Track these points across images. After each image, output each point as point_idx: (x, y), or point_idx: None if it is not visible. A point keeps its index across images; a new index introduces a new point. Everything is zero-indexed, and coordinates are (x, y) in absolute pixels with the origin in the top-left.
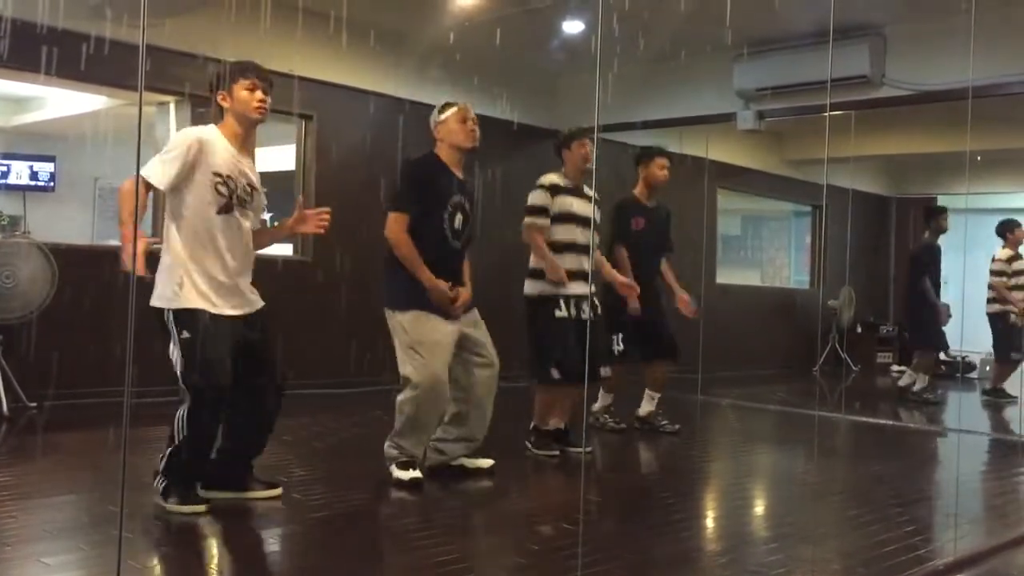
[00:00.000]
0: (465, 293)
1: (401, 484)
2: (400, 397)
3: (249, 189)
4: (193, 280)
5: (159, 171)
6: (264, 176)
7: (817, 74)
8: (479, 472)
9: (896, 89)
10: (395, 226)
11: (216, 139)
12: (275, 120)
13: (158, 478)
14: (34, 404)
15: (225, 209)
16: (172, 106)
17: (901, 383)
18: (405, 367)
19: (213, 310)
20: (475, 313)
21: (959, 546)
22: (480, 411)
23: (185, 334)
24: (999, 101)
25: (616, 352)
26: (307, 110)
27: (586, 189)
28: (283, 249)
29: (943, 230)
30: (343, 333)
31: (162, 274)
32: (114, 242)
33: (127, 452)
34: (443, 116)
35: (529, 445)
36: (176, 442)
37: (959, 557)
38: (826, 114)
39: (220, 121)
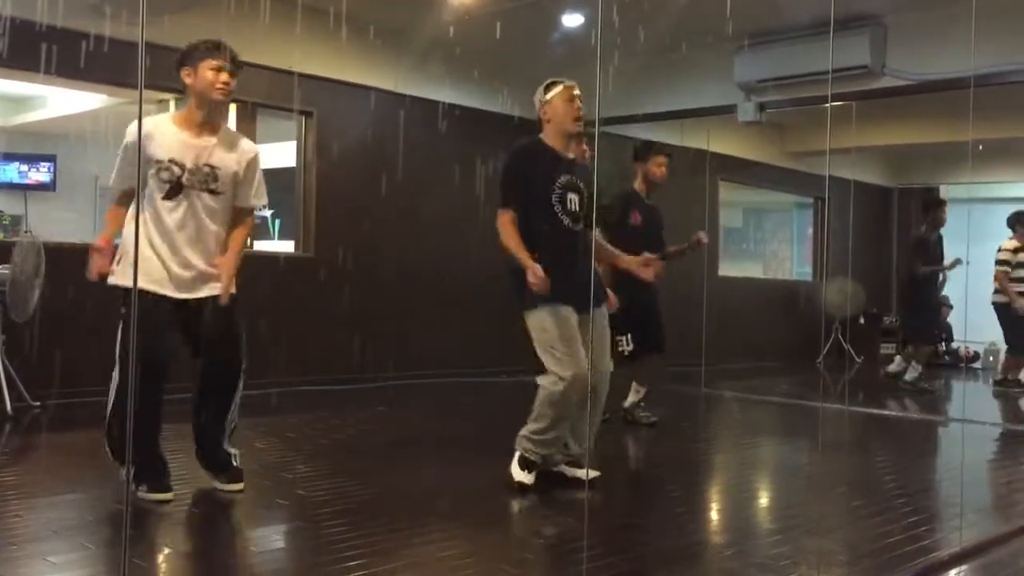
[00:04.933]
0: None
1: (512, 483)
2: (543, 393)
3: (208, 169)
4: (137, 259)
5: (115, 176)
6: (265, 173)
7: (818, 65)
8: (576, 482)
9: (897, 79)
10: (501, 224)
11: (161, 127)
12: (276, 116)
13: (124, 467)
14: (38, 403)
15: (171, 194)
16: (172, 104)
17: (890, 368)
18: (550, 365)
19: (155, 289)
20: (603, 315)
21: (964, 536)
22: (575, 418)
23: (123, 309)
24: (1001, 90)
25: (626, 352)
26: (307, 106)
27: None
28: (285, 246)
29: (941, 223)
30: (345, 329)
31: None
32: (117, 241)
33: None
34: (548, 96)
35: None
36: (106, 417)
37: (964, 547)
38: (827, 105)
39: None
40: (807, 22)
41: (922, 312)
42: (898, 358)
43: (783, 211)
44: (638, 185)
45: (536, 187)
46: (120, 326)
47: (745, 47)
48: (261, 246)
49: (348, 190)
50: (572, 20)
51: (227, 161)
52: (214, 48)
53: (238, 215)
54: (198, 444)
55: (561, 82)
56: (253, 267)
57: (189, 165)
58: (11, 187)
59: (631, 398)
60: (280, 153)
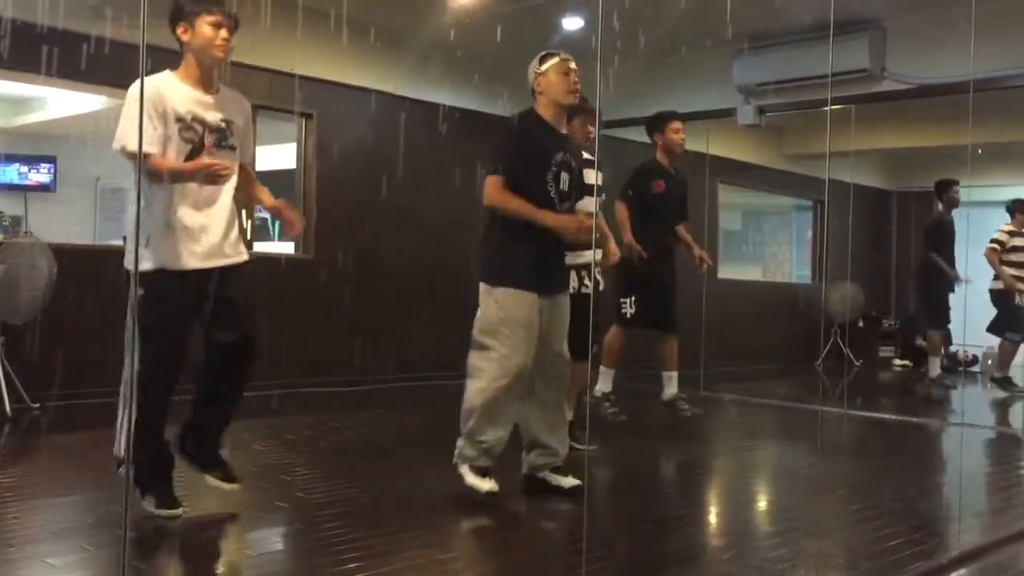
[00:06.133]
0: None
1: (475, 493)
2: (475, 384)
3: (224, 125)
4: (161, 234)
5: (146, 136)
6: (264, 174)
7: (817, 68)
8: (560, 491)
9: (897, 83)
10: (493, 189)
11: (170, 83)
12: (276, 119)
13: (123, 467)
14: (37, 404)
15: (193, 154)
16: None
17: (932, 375)
18: (489, 347)
19: (178, 265)
20: (564, 298)
21: (963, 540)
22: (546, 414)
23: (140, 291)
24: (1000, 94)
25: (628, 315)
26: (308, 108)
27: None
28: (285, 247)
29: (955, 204)
30: (345, 331)
31: (130, 228)
32: (116, 242)
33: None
34: (543, 67)
35: None
36: (122, 417)
37: (963, 551)
38: (827, 108)
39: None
40: (806, 26)
41: (933, 297)
42: (931, 360)
43: (782, 214)
44: (659, 156)
45: (533, 164)
46: (134, 310)
47: (745, 50)
48: (261, 247)
49: (348, 192)
50: (572, 23)
51: (236, 115)
52: (211, 2)
53: (242, 172)
54: (194, 435)
55: (556, 54)
56: (253, 268)
57: (209, 121)
58: (11, 188)
59: (669, 390)
60: (280, 155)
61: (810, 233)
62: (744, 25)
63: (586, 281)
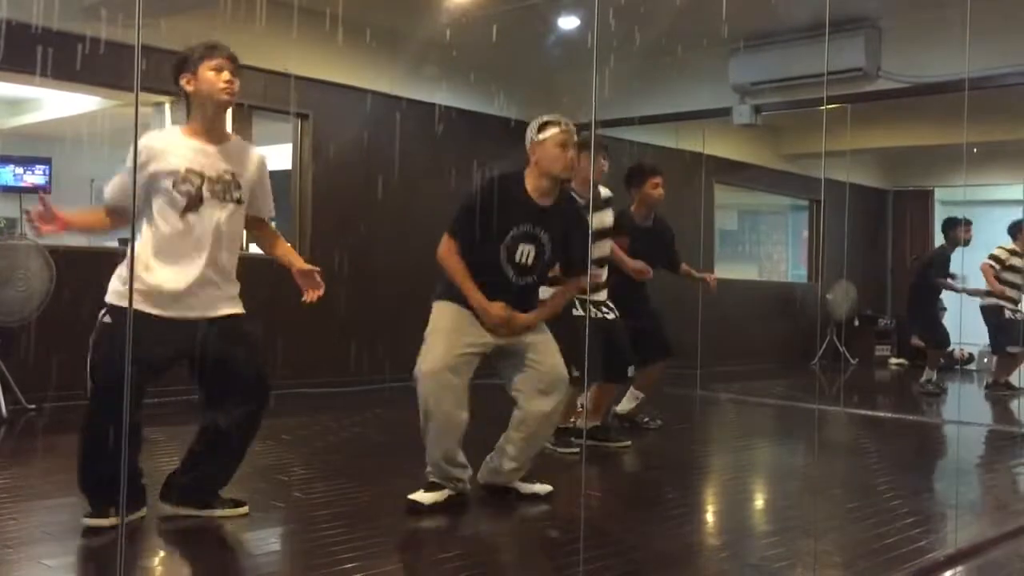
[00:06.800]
0: (520, 319)
1: (415, 506)
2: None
3: (229, 177)
4: (143, 279)
5: (111, 188)
6: None
7: (813, 67)
8: (533, 497)
9: (892, 82)
10: (444, 248)
11: (171, 139)
12: (272, 119)
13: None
14: (33, 406)
15: (190, 207)
16: (168, 106)
17: (923, 380)
18: (420, 357)
19: (158, 311)
20: (540, 329)
21: (959, 537)
22: (525, 436)
23: (107, 319)
24: (995, 93)
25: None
26: (303, 109)
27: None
28: None
29: (959, 242)
30: (341, 332)
31: (119, 269)
32: (111, 243)
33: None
34: (541, 136)
35: (548, 444)
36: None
37: (960, 548)
38: (822, 108)
39: (187, 110)
40: (802, 25)
41: (932, 317)
42: (926, 370)
43: (778, 213)
44: (635, 208)
45: (489, 229)
46: (94, 339)
47: (740, 50)
48: (256, 249)
49: (344, 193)
50: (568, 23)
51: (243, 167)
52: (211, 48)
53: (263, 228)
54: (192, 483)
55: (557, 123)
56: (248, 270)
57: (210, 174)
58: (6, 190)
59: (625, 404)
60: (276, 156)
61: (806, 232)
62: (740, 24)
63: (603, 308)
